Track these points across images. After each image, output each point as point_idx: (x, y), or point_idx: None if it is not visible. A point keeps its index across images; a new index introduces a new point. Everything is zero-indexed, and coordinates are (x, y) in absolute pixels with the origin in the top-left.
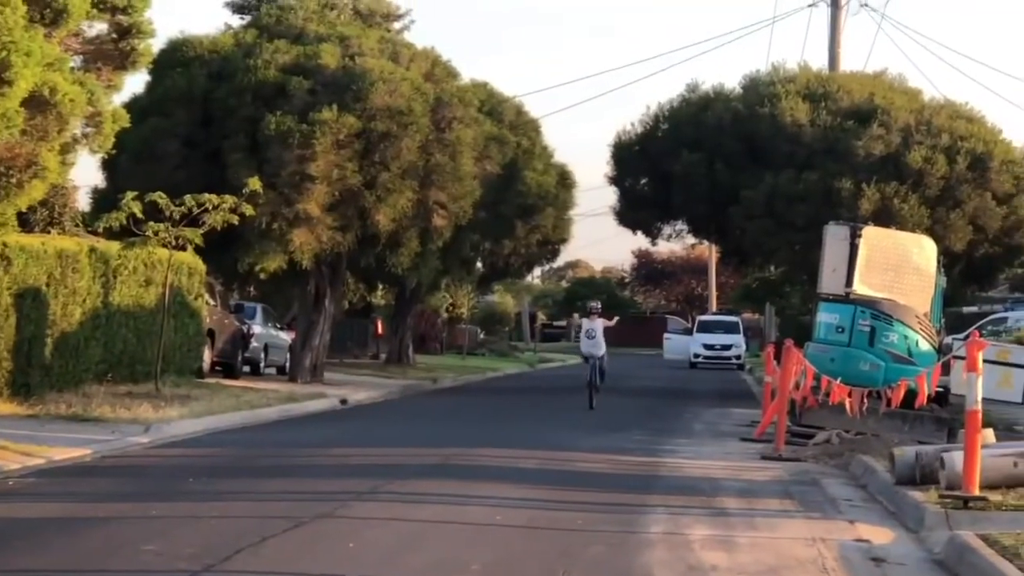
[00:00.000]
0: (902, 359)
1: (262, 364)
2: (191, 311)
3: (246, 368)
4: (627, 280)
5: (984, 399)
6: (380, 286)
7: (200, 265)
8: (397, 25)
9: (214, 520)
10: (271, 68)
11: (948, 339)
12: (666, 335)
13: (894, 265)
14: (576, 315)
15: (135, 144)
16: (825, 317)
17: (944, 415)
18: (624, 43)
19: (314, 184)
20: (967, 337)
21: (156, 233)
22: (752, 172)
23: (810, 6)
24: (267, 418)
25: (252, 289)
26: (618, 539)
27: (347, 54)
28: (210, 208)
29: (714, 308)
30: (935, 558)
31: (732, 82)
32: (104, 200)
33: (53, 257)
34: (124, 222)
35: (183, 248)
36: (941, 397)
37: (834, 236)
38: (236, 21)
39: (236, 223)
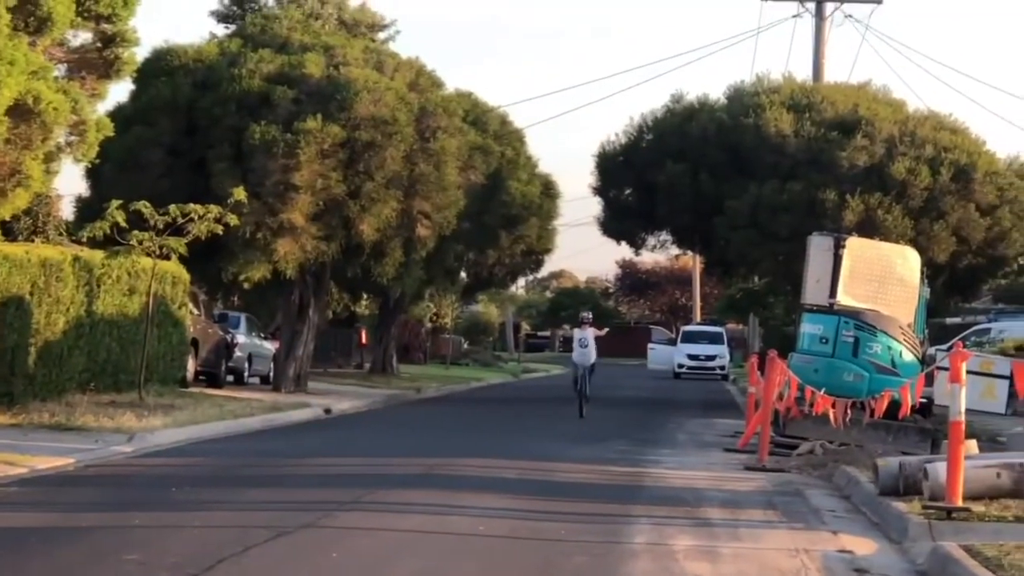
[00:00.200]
0: (886, 370)
1: (246, 374)
2: (175, 320)
3: (230, 378)
4: (611, 290)
5: (967, 410)
6: (364, 296)
7: (184, 274)
8: (382, 35)
9: (197, 530)
10: (256, 77)
11: (932, 350)
12: (650, 345)
13: (878, 276)
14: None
15: (119, 153)
16: (809, 328)
17: (928, 426)
18: (609, 53)
19: (298, 194)
20: (950, 348)
21: (140, 242)
22: (736, 183)
23: (794, 17)
24: (251, 428)
25: (236, 298)
26: (602, 549)
27: (332, 64)
28: (195, 218)
29: (698, 318)
30: (918, 569)
31: (716, 93)
32: (88, 209)
33: (37, 266)
34: (108, 231)
35: (167, 257)
36: (925, 408)
37: (818, 247)
38: (221, 30)
39: (220, 232)
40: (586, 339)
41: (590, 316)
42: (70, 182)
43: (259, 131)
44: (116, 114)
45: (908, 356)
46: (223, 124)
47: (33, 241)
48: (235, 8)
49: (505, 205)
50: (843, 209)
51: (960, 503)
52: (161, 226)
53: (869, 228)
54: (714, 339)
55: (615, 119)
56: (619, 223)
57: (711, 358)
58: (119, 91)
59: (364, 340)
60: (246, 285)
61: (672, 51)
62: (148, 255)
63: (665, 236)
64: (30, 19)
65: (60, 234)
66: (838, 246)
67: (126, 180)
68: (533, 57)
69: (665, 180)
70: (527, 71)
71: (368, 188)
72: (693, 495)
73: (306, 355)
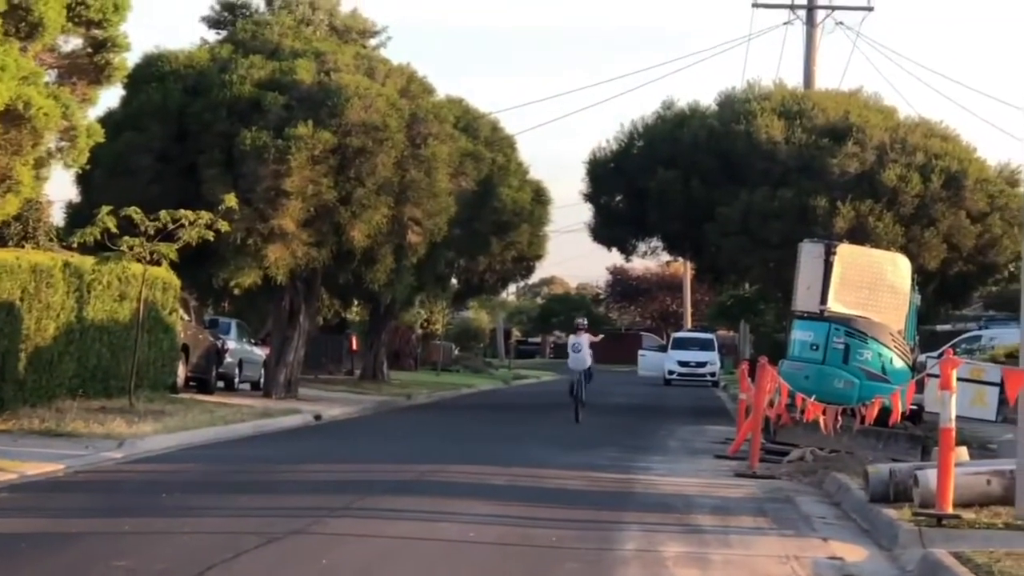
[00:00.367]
0: (876, 377)
1: (236, 380)
2: (165, 326)
3: (220, 383)
4: (602, 297)
5: (958, 417)
6: (355, 302)
7: (175, 280)
8: (373, 41)
9: (187, 536)
10: (246, 83)
11: (922, 357)
12: (641, 352)
13: (868, 283)
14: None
15: (110, 159)
16: (799, 334)
17: (918, 433)
18: (600, 60)
19: (289, 200)
20: (941, 355)
21: (131, 248)
22: (727, 189)
23: (785, 24)
24: (241, 434)
25: (227, 304)
26: (592, 556)
27: (322, 70)
28: (186, 224)
29: (689, 325)
30: None
31: (707, 99)
32: (78, 215)
33: (27, 272)
34: (98, 237)
35: (158, 263)
36: (915, 415)
37: (809, 254)
38: (212, 36)
39: (211, 238)
40: (580, 345)
41: (585, 322)
42: (61, 188)
43: (250, 137)
44: (107, 120)
45: (899, 363)
46: (214, 130)
47: (23, 247)
48: (226, 14)
49: (496, 211)
50: (834, 216)
51: (950, 510)
52: (152, 232)
53: (860, 235)
54: (705, 346)
55: (606, 125)
56: (610, 229)
57: (702, 365)
58: (110, 97)
59: (355, 346)
60: (237, 291)
61: (663, 58)
62: (139, 261)
63: (656, 242)
64: (21, 24)
65: (50, 240)
66: (829, 253)
67: (117, 186)
68: (524, 63)
69: (656, 186)
70: (518, 77)
71: (359, 194)
72: (683, 502)
73: (297, 361)
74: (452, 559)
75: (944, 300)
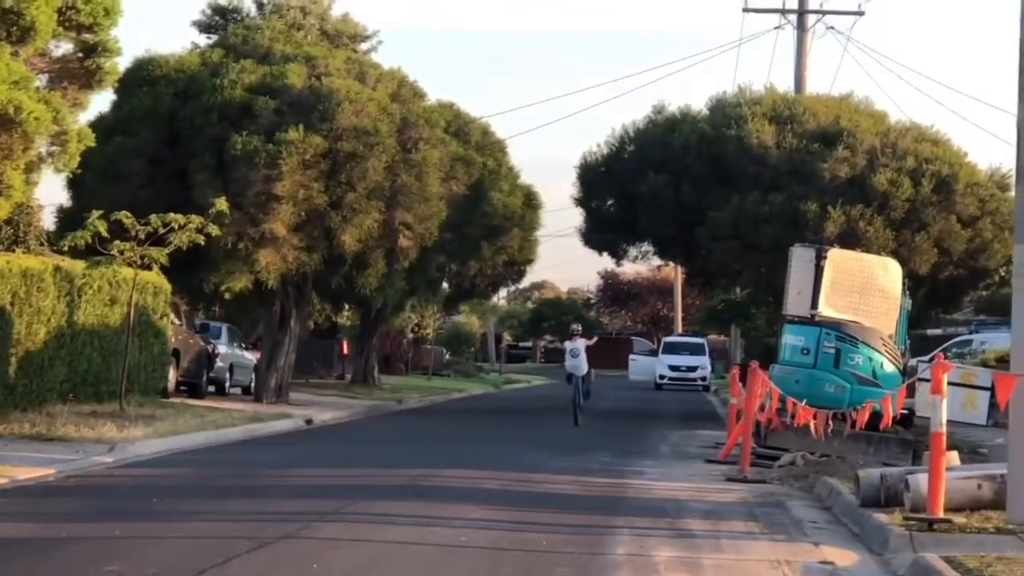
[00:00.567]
0: (867, 381)
1: (227, 384)
2: (156, 331)
3: (211, 388)
4: (593, 301)
5: (949, 421)
6: (346, 306)
7: (165, 284)
8: (364, 46)
9: (177, 540)
10: (237, 88)
11: (913, 361)
12: (632, 356)
13: (859, 287)
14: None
15: (100, 163)
16: (790, 339)
17: (909, 437)
18: (591, 64)
19: (280, 204)
20: (932, 359)
21: (121, 252)
22: (718, 194)
23: (776, 28)
24: (232, 438)
25: (218, 309)
26: (583, 561)
27: (313, 74)
28: (176, 228)
29: (680, 329)
30: None
31: (699, 104)
32: (69, 219)
33: (18, 276)
34: (89, 241)
35: (148, 267)
36: (906, 419)
37: (799, 258)
38: (203, 40)
39: (202, 243)
40: (577, 350)
41: (579, 328)
42: (51, 192)
43: (241, 141)
44: (97, 124)
45: (889, 367)
46: (205, 134)
47: (14, 251)
48: (217, 18)
49: (487, 216)
50: (825, 220)
51: (941, 514)
52: (142, 236)
53: (851, 239)
54: (696, 350)
55: (598, 130)
56: (601, 234)
57: (693, 369)
58: (101, 101)
59: (346, 351)
60: (227, 295)
61: (654, 62)
62: (129, 265)
63: (647, 247)
64: (12, 29)
65: (41, 244)
66: (820, 257)
67: (107, 190)
68: (515, 68)
69: (647, 191)
70: (509, 82)
71: (350, 199)
72: (675, 506)
73: (287, 366)
74: (443, 563)
75: (935, 304)
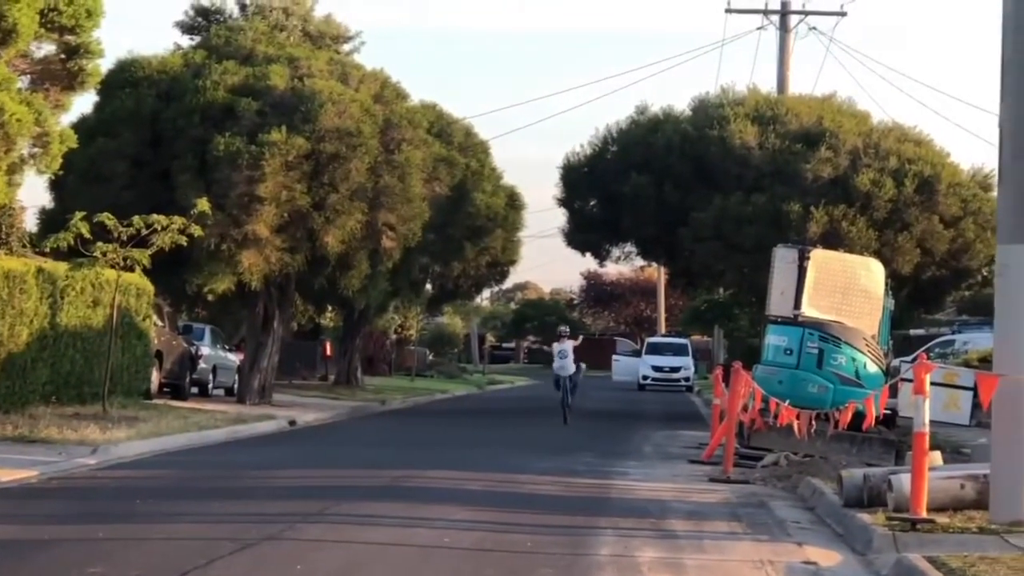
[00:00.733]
0: (850, 381)
1: (210, 386)
2: (139, 332)
3: (194, 390)
4: (576, 302)
5: (931, 421)
6: (329, 308)
7: (148, 286)
8: (347, 47)
9: (161, 542)
10: (220, 89)
11: (896, 361)
12: (615, 357)
13: (842, 288)
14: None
15: (83, 164)
16: (773, 339)
17: (892, 437)
18: (574, 64)
19: (263, 205)
20: (915, 359)
21: (104, 254)
22: (701, 194)
23: (759, 29)
24: (215, 440)
25: (200, 310)
26: (566, 561)
27: (296, 75)
28: (159, 229)
29: (663, 330)
30: None
31: (681, 104)
32: (52, 220)
33: (0, 278)
34: (72, 243)
35: (131, 269)
36: (889, 419)
37: (782, 259)
38: (185, 42)
39: (185, 244)
40: (565, 351)
41: (567, 330)
42: (34, 193)
43: (223, 143)
44: (80, 125)
45: (872, 368)
46: (187, 135)
47: None
48: (200, 19)
49: (470, 217)
50: (807, 221)
51: (924, 514)
52: (125, 238)
53: (833, 240)
54: (679, 351)
55: (581, 130)
56: (584, 234)
57: (676, 370)
58: (83, 102)
59: (329, 352)
60: (210, 297)
61: (637, 62)
62: (112, 267)
63: (630, 247)
64: None
65: (23, 246)
66: (802, 258)
67: (90, 191)
68: (498, 68)
69: (630, 191)
70: (492, 82)
71: (333, 200)
72: (658, 507)
73: (271, 367)
74: (427, 565)
75: (917, 305)
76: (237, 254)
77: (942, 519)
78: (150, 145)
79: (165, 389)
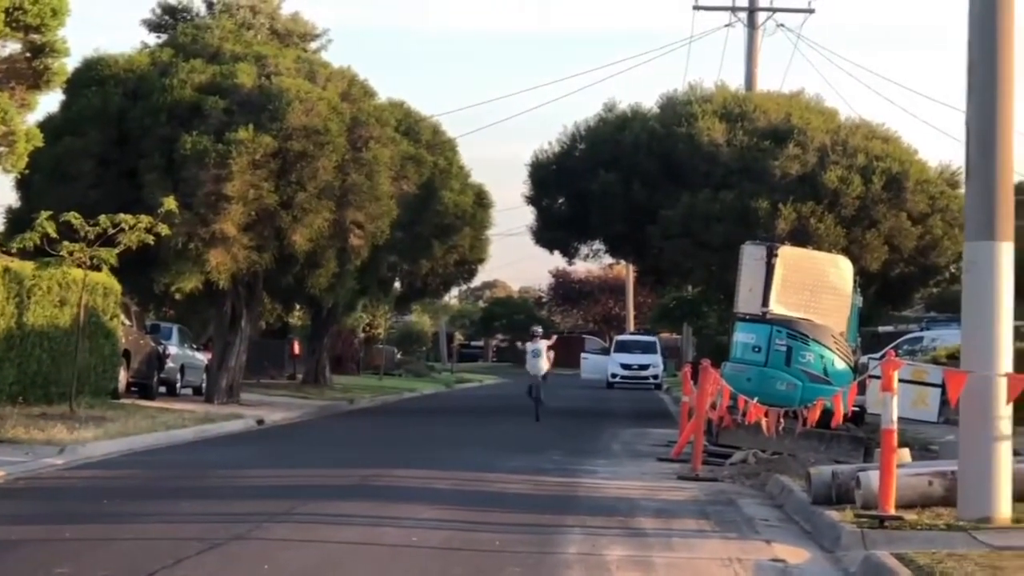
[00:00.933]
0: (818, 379)
1: (178, 385)
2: (106, 332)
3: (162, 389)
4: (545, 300)
5: (900, 418)
6: (297, 307)
7: (115, 285)
8: (314, 45)
9: (128, 542)
10: (187, 87)
11: (864, 358)
12: (583, 355)
13: (810, 285)
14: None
15: (49, 163)
16: (742, 337)
17: (860, 434)
18: (542, 62)
19: (230, 204)
20: (883, 356)
21: (71, 253)
22: (669, 191)
23: (727, 26)
24: (183, 439)
25: (168, 309)
26: (534, 560)
27: (263, 73)
28: (126, 228)
29: (632, 328)
30: None
31: (650, 102)
32: (18, 220)
33: None
34: (38, 242)
35: (98, 268)
36: (857, 417)
37: (751, 256)
38: (152, 40)
39: (152, 243)
40: (538, 351)
41: (540, 330)
42: None
43: (190, 141)
44: (46, 124)
45: (840, 365)
46: (154, 134)
47: None
48: (167, 18)
49: (438, 215)
50: (775, 218)
51: (892, 511)
52: (92, 237)
53: (801, 237)
54: (647, 348)
55: (549, 128)
56: (552, 232)
57: (644, 367)
58: (49, 101)
59: (297, 351)
60: (178, 296)
61: (605, 60)
62: (79, 266)
63: (598, 245)
64: None
65: None
66: (771, 255)
67: (56, 190)
68: (466, 66)
69: (598, 189)
70: (460, 80)
71: (300, 198)
72: (626, 505)
73: (238, 366)
74: (395, 563)
75: (886, 302)
76: (204, 253)
77: (910, 516)
78: (117, 144)
79: (133, 388)
